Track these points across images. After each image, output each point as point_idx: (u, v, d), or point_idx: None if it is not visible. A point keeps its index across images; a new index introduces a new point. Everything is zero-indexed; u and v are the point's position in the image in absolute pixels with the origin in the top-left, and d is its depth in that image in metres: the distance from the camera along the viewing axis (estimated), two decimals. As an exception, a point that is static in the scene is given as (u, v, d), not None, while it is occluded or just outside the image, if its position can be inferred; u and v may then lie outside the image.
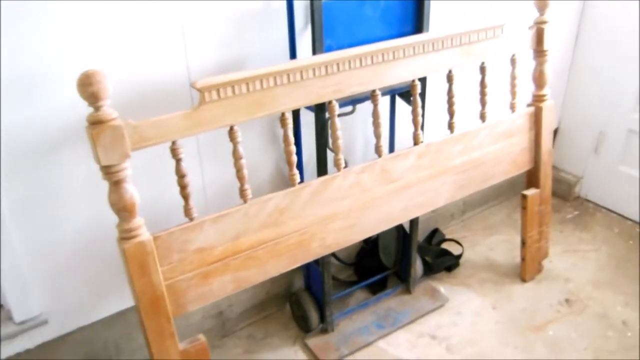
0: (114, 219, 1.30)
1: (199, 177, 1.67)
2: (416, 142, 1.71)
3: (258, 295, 2.00)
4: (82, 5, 1.32)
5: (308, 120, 1.81)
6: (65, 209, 1.48)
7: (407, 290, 2.11)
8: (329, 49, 1.52)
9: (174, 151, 1.31)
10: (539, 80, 1.93)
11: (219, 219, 1.41)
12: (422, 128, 1.71)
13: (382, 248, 2.14)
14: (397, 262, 2.12)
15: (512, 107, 1.91)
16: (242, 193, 1.44)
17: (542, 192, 2.06)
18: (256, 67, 1.50)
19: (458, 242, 2.35)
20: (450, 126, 1.77)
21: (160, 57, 1.46)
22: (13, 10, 1.24)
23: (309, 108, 1.61)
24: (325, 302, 1.87)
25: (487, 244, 2.39)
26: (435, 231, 2.42)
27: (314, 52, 1.48)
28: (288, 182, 1.74)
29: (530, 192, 2.04)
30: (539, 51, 1.88)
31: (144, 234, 1.29)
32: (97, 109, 1.16)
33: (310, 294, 1.94)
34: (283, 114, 1.43)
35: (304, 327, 1.94)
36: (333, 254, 2.09)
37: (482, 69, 1.79)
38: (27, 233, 1.42)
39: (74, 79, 1.14)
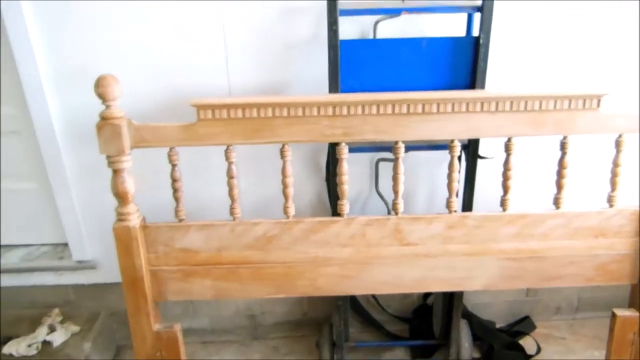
0: (161, 196, 1.60)
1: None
2: (450, 210, 1.49)
3: (294, 313, 2.03)
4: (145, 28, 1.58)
5: (359, 158, 1.76)
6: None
7: (446, 370, 1.86)
8: (351, 90, 1.44)
9: (170, 157, 1.44)
10: (663, 175, 1.46)
11: (204, 227, 1.50)
12: (457, 195, 1.48)
13: (435, 312, 1.93)
14: (442, 333, 1.88)
15: (610, 201, 1.49)
16: (232, 211, 1.49)
17: (645, 319, 1.56)
18: (297, 93, 1.55)
19: (536, 342, 1.94)
20: (503, 203, 1.48)
21: (203, 72, 1.61)
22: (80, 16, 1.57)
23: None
24: (337, 345, 1.80)
25: (584, 357, 1.91)
26: (524, 319, 2.04)
27: (330, 90, 1.42)
28: (329, 211, 1.72)
29: (623, 312, 1.56)
30: (668, 139, 1.42)
31: (133, 221, 1.46)
32: (107, 107, 1.37)
33: (332, 330, 1.89)
34: (283, 146, 1.43)
35: (319, 360, 1.90)
36: (374, 298, 1.98)
37: (563, 145, 1.44)
38: (84, 193, 1.76)
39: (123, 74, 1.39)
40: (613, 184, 1.48)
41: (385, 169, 1.72)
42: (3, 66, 1.69)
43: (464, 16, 1.54)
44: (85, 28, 1.59)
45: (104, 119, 1.36)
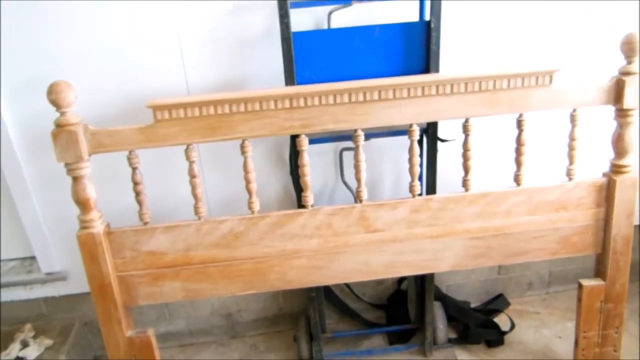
0: (124, 202, 1.61)
1: (201, 185, 1.77)
2: (412, 194, 1.50)
3: (270, 309, 2.03)
4: (102, 29, 1.57)
5: (323, 149, 1.76)
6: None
7: (422, 353, 1.87)
8: (308, 82, 1.44)
9: (129, 160, 1.42)
10: (617, 146, 1.48)
11: (170, 228, 1.49)
12: (420, 179, 1.50)
13: (410, 297, 1.95)
14: (418, 317, 1.90)
15: (569, 174, 1.52)
16: (197, 210, 1.48)
17: (610, 287, 1.60)
18: (256, 88, 1.54)
19: (510, 318, 1.97)
20: (465, 184, 1.51)
21: (160, 73, 1.61)
22: (33, 25, 1.55)
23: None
24: (314, 337, 1.81)
25: (558, 329, 1.95)
26: (498, 297, 2.08)
27: (286, 82, 1.42)
28: (296, 204, 1.72)
29: (589, 282, 1.60)
30: (620, 110, 1.45)
31: (97, 227, 1.44)
32: (61, 114, 1.34)
33: (309, 323, 1.89)
34: (243, 141, 1.43)
35: (297, 355, 1.90)
36: (349, 287, 1.99)
37: (519, 123, 1.46)
38: (47, 204, 1.73)
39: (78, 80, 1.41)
40: (571, 158, 1.51)
41: (350, 158, 1.72)
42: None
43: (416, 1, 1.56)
44: (37, 34, 1.55)
45: (59, 126, 1.34)
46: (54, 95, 1.31)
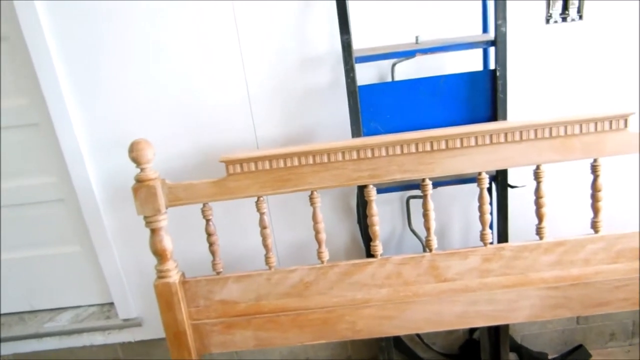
0: (198, 250, 1.67)
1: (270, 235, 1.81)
2: (484, 242, 1.47)
3: (338, 356, 2.01)
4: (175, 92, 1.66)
5: (390, 197, 1.76)
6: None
7: (498, 407, 1.79)
8: (375, 132, 1.46)
9: (203, 212, 1.48)
10: None
11: (241, 278, 1.53)
12: (491, 227, 1.46)
13: (483, 347, 1.88)
14: (492, 369, 1.82)
15: (651, 220, 1.45)
16: (267, 260, 1.51)
17: None
18: (322, 138, 1.58)
19: (592, 371, 1.86)
20: (539, 232, 1.46)
21: (230, 126, 1.68)
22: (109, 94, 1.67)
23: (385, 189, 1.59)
24: (384, 388, 1.77)
25: (646, 384, 1.82)
26: (578, 347, 1.96)
27: (352, 134, 1.45)
28: (364, 252, 1.72)
29: (680, 336, 1.50)
30: None
31: (173, 277, 1.50)
32: (141, 170, 1.43)
33: (378, 373, 1.86)
34: (312, 193, 1.46)
35: (366, 405, 1.86)
36: (419, 336, 1.94)
37: (595, 168, 1.41)
38: (125, 253, 1.82)
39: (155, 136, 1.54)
40: (651, 203, 1.45)
41: (417, 205, 1.71)
42: (46, 139, 1.79)
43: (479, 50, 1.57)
44: (117, 96, 1.67)
45: (139, 181, 1.43)
46: (134, 153, 1.40)
